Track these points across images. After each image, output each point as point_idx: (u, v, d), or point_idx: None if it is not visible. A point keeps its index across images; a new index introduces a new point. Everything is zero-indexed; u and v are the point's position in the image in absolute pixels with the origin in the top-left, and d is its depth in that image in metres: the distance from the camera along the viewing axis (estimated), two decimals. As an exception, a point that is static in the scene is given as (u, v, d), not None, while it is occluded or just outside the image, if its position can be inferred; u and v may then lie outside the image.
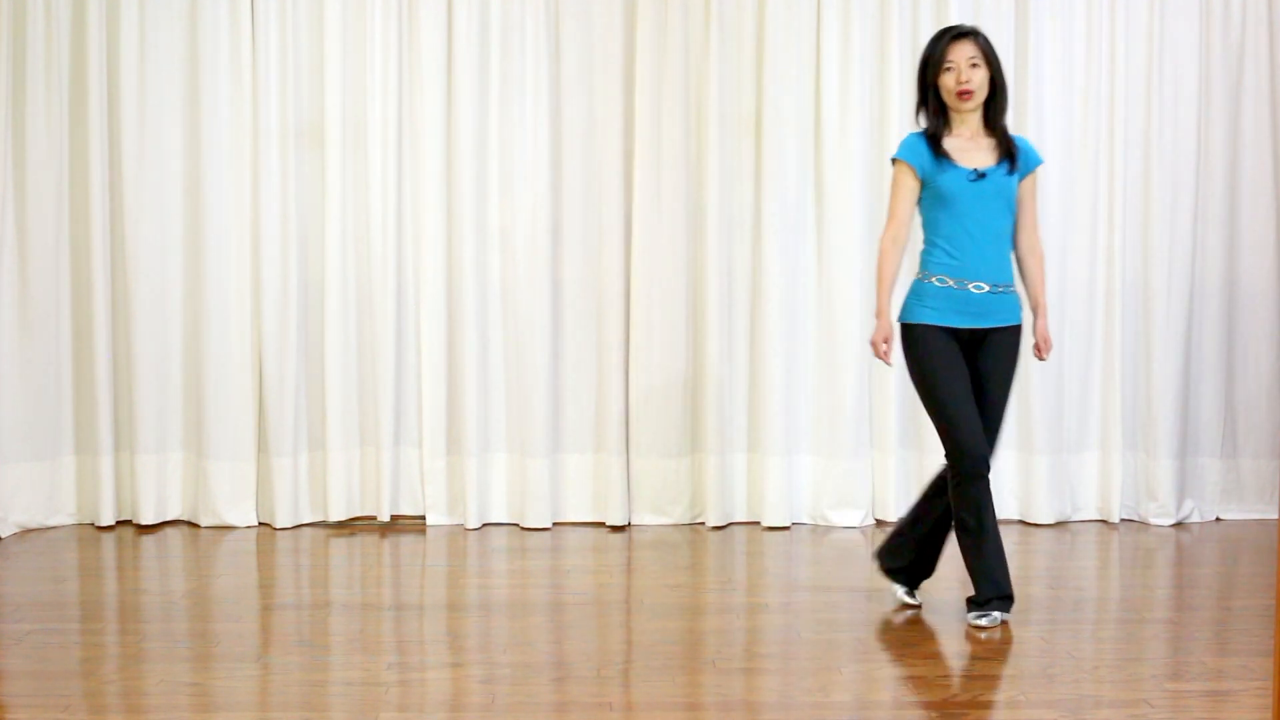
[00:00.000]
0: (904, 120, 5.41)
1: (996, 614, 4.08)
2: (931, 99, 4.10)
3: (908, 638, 4.01)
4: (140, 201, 5.34)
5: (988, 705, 3.41)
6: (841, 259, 5.42)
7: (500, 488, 5.50)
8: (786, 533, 5.38)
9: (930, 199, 4.07)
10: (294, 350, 5.39)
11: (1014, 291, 4.12)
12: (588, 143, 5.43)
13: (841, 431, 5.45)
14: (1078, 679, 3.60)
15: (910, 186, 4.08)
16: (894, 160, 4.10)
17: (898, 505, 5.48)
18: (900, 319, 4.10)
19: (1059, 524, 5.52)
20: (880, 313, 4.08)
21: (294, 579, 4.82)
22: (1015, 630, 4.07)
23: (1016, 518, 5.56)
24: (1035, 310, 4.24)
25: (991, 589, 4.08)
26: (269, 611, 4.27)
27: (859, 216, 5.40)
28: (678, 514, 5.47)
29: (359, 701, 3.44)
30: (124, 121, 5.32)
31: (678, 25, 5.37)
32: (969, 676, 3.64)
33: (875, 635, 4.02)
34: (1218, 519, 5.62)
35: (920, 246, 4.17)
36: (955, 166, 4.03)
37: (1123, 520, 5.55)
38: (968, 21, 5.41)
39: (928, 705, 3.41)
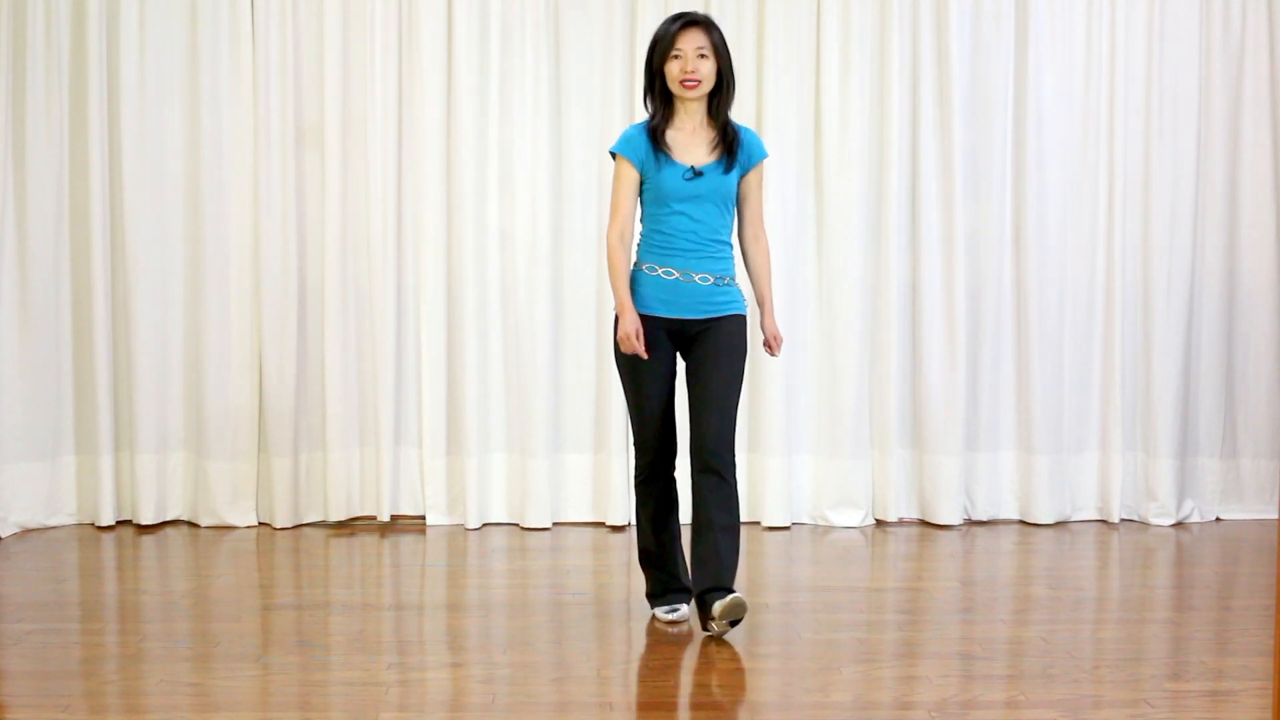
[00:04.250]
0: (904, 120, 5.42)
1: (684, 607, 4.16)
2: (658, 86, 4.00)
3: (908, 638, 4.02)
4: (140, 201, 5.34)
5: (988, 705, 3.41)
6: (841, 259, 5.42)
7: (500, 488, 5.50)
8: (786, 533, 5.38)
9: (648, 193, 4.00)
10: (294, 350, 5.38)
11: (734, 284, 4.05)
12: (588, 142, 5.43)
13: (841, 431, 5.45)
14: (1078, 679, 3.61)
15: (631, 179, 4.00)
16: (613, 154, 4.03)
17: (897, 505, 5.49)
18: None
19: (1059, 524, 5.52)
20: (624, 307, 3.97)
21: (294, 579, 4.82)
22: (1015, 630, 4.07)
23: (1016, 518, 5.56)
24: (761, 305, 4.14)
25: (665, 584, 4.17)
26: (269, 611, 4.27)
27: (859, 216, 5.41)
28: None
29: (359, 701, 3.44)
30: (124, 121, 5.32)
31: (678, 25, 5.37)
32: (969, 676, 3.65)
33: (875, 635, 4.02)
34: (1218, 519, 5.62)
35: (638, 238, 4.10)
36: (672, 163, 3.96)
37: (1123, 520, 5.55)
38: (967, 21, 5.42)
39: (928, 705, 3.41)
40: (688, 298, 3.99)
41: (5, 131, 5.22)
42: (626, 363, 4.02)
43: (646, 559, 4.18)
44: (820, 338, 5.47)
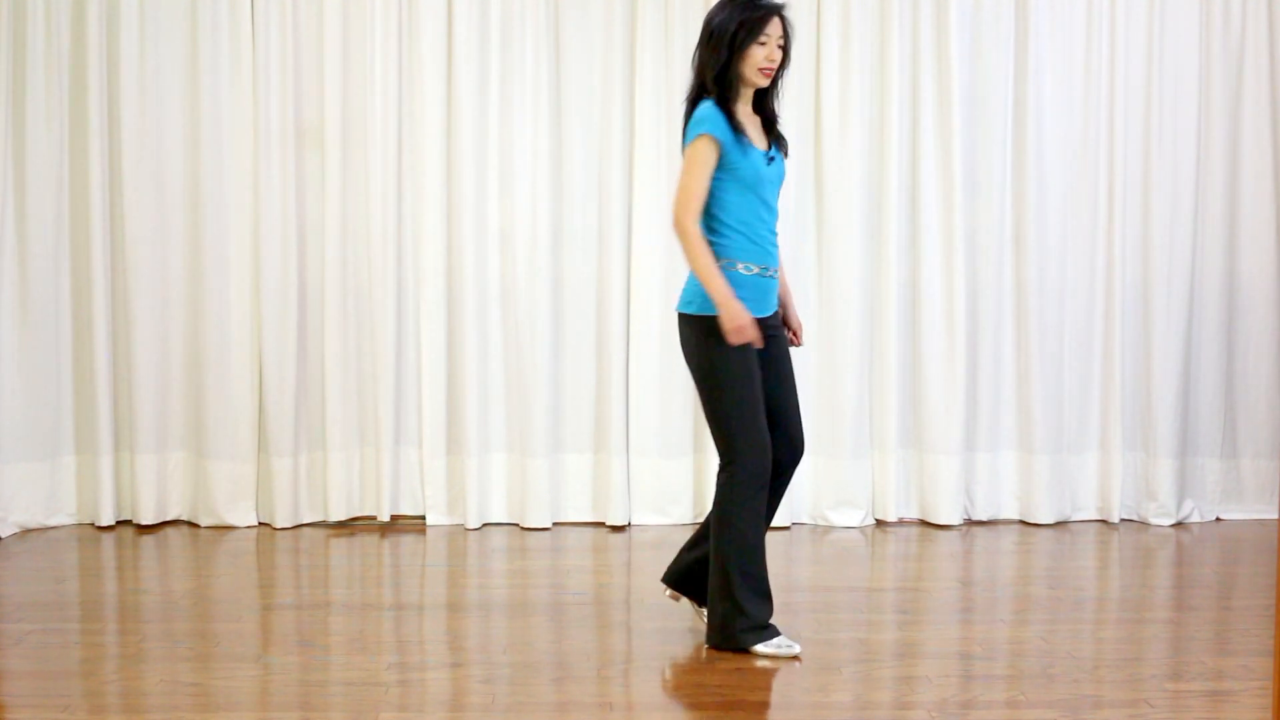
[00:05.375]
0: (904, 120, 5.42)
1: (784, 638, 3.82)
2: (735, 67, 3.74)
3: (908, 638, 4.02)
4: (140, 201, 5.34)
5: (988, 705, 3.41)
6: (841, 259, 5.42)
7: (500, 488, 5.50)
8: (786, 533, 5.37)
9: (729, 180, 3.73)
10: (294, 350, 5.39)
11: None
12: (588, 142, 5.43)
13: (841, 431, 5.45)
14: (1078, 679, 3.61)
15: (713, 163, 3.71)
16: (700, 134, 3.68)
17: (898, 505, 5.49)
18: (701, 310, 3.73)
19: (1059, 524, 5.52)
20: (730, 295, 3.65)
21: (294, 579, 4.82)
22: (1015, 630, 4.07)
23: (1016, 518, 5.56)
24: (789, 297, 4.03)
25: (769, 611, 3.83)
26: (269, 611, 4.27)
27: (859, 217, 5.41)
28: (678, 514, 5.47)
29: (359, 701, 3.44)
30: (124, 122, 5.32)
31: (678, 25, 5.38)
32: (969, 676, 3.65)
33: (875, 635, 4.02)
34: (1218, 519, 5.62)
35: (717, 233, 3.79)
36: (752, 147, 3.74)
37: (1123, 520, 5.55)
38: (967, 21, 5.42)
39: (928, 705, 3.41)
40: (770, 294, 3.82)
41: (5, 131, 5.22)
42: (736, 362, 3.71)
43: (759, 585, 3.80)
44: (820, 338, 5.47)
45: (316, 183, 5.41)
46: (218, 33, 5.32)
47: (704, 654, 3.83)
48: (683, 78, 5.29)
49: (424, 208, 5.40)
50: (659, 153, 5.39)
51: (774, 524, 5.32)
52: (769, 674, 3.68)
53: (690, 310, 3.77)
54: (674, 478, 5.46)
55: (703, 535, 3.99)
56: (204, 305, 5.37)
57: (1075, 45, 5.47)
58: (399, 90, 5.39)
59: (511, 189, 5.41)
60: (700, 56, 3.80)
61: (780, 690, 3.55)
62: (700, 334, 3.74)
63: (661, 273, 5.41)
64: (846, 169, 5.40)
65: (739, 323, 3.65)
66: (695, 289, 3.76)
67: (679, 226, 3.70)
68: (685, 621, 4.11)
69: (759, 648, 3.79)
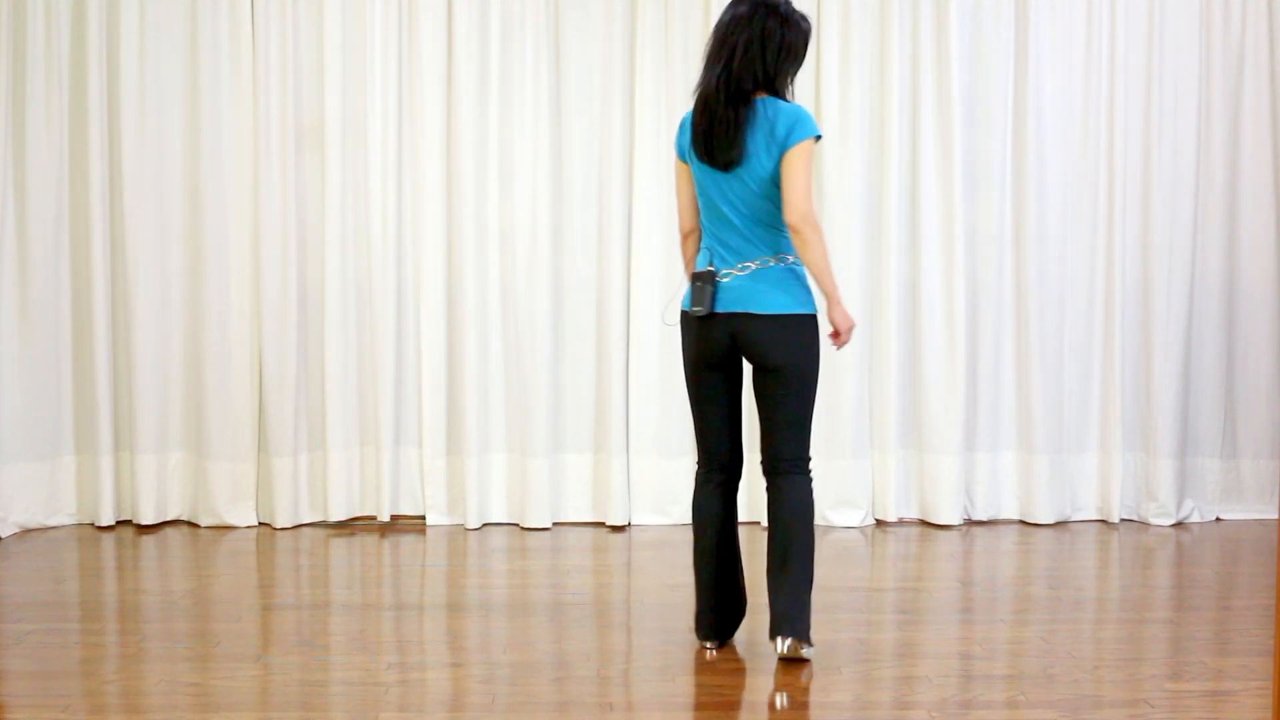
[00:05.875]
0: (904, 120, 5.42)
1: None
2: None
3: (908, 638, 4.02)
4: (140, 202, 5.34)
5: (988, 705, 3.41)
6: (842, 260, 5.41)
7: (500, 488, 5.50)
8: (786, 533, 5.37)
9: None
10: (294, 350, 5.39)
11: None
12: (588, 142, 5.43)
13: (841, 431, 5.45)
14: (1078, 679, 3.61)
15: None
16: (815, 135, 3.64)
17: (898, 505, 5.49)
18: (809, 309, 3.72)
19: (1059, 524, 5.52)
20: (842, 297, 3.75)
21: (294, 579, 4.82)
22: (1015, 630, 4.07)
23: (1016, 518, 5.56)
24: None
25: None
26: (269, 611, 4.27)
27: (859, 216, 5.41)
28: (678, 514, 5.47)
29: (359, 701, 3.44)
30: (124, 122, 5.32)
31: (678, 25, 5.38)
32: (969, 676, 3.65)
33: (875, 635, 4.02)
34: (1218, 519, 5.62)
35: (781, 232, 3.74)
36: None
37: (1123, 520, 5.55)
38: (967, 21, 5.43)
39: (928, 705, 3.41)
40: None
41: (5, 131, 5.22)
42: (819, 360, 3.76)
43: None
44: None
45: (316, 183, 5.41)
46: (218, 33, 5.33)
47: (703, 653, 3.83)
48: (684, 78, 5.32)
49: (424, 208, 5.40)
50: (659, 153, 5.39)
51: (774, 524, 5.38)
52: (769, 674, 3.68)
53: (810, 310, 3.71)
54: (674, 478, 5.46)
55: (727, 570, 3.87)
56: (204, 305, 5.38)
57: (1075, 45, 5.47)
58: (399, 90, 5.39)
59: (511, 189, 5.41)
60: (771, 60, 3.66)
61: (780, 690, 3.55)
62: (816, 333, 3.72)
63: (661, 273, 5.41)
64: (846, 168, 5.40)
65: (853, 322, 3.73)
66: (807, 287, 3.72)
67: (809, 221, 3.61)
68: (685, 621, 4.11)
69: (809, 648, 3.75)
